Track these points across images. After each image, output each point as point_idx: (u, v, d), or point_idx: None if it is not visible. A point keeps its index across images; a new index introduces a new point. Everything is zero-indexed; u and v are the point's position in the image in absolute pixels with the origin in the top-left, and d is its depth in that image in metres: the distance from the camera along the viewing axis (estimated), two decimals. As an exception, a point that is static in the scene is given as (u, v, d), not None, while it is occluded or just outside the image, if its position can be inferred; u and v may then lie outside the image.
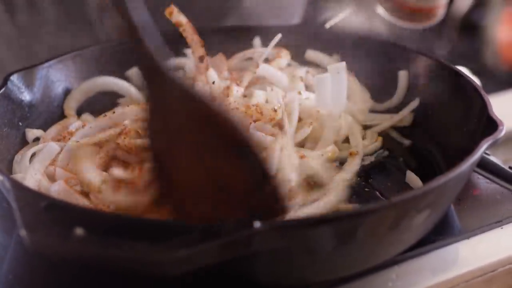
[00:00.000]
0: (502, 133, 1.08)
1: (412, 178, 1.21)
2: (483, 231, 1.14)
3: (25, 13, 1.61)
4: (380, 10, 1.56)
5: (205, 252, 0.87)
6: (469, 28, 3.92)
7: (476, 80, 1.25)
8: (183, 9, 1.49)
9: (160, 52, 0.97)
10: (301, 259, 0.96)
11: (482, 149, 1.04)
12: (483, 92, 1.19)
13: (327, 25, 1.47)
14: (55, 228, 0.90)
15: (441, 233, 1.12)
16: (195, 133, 0.95)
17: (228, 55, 1.42)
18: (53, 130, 1.26)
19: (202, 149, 0.94)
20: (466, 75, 1.25)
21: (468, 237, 1.13)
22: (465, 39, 3.99)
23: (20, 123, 1.24)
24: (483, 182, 1.25)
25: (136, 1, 0.98)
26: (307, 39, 1.45)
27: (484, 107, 1.14)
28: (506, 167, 1.26)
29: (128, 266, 0.89)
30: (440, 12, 1.55)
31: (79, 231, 0.88)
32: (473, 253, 1.11)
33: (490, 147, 1.07)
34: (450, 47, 3.96)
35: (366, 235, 0.96)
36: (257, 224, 0.88)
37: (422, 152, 1.31)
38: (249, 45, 1.46)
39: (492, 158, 1.28)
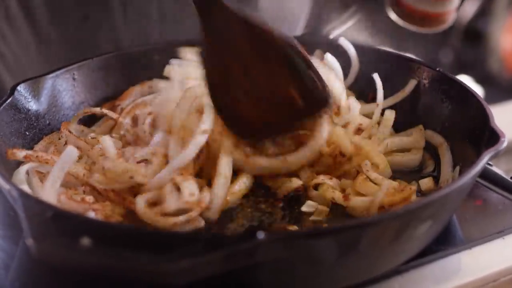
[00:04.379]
0: (503, 144, 1.08)
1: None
2: (485, 241, 1.15)
3: (45, 19, 1.63)
4: (392, 15, 1.57)
5: (209, 262, 0.89)
6: (473, 37, 3.92)
7: (479, 88, 1.26)
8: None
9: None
10: (304, 269, 0.97)
11: (483, 161, 1.05)
12: (485, 104, 1.19)
13: (331, 36, 1.47)
14: (61, 238, 0.91)
15: (443, 243, 1.13)
16: (250, 50, 1.16)
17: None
18: (42, 144, 1.27)
19: (257, 65, 1.16)
20: (469, 86, 1.25)
21: (470, 247, 1.14)
22: (469, 48, 3.99)
23: (27, 133, 1.25)
24: (485, 193, 1.25)
25: None
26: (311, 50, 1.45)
27: (486, 118, 1.15)
28: (508, 178, 1.26)
29: (133, 276, 0.90)
30: (451, 17, 1.56)
31: (85, 241, 0.89)
32: (475, 263, 1.12)
33: (492, 158, 1.08)
34: (454, 56, 3.97)
35: (368, 246, 0.97)
36: (260, 235, 0.89)
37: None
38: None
39: (495, 168, 1.29)
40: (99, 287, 1.00)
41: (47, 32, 1.63)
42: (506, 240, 1.15)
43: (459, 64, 3.95)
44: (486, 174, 1.27)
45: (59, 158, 1.11)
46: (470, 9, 3.89)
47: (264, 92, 1.16)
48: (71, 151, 1.11)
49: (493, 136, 1.10)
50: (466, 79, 3.78)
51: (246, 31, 1.15)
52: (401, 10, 1.57)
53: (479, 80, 3.75)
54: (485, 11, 3.95)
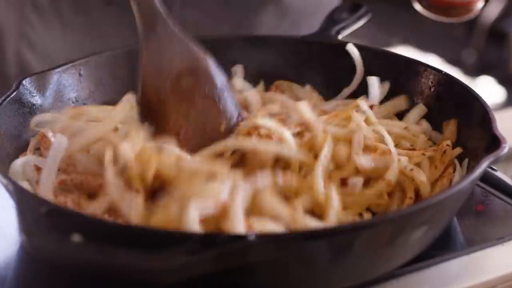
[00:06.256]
0: (504, 151, 1.07)
1: None
2: (484, 248, 1.14)
3: (68, 5, 1.64)
4: (417, 6, 1.57)
5: (201, 261, 0.89)
6: (497, 38, 3.90)
7: (502, 89, 1.25)
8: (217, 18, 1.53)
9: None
10: (297, 271, 0.97)
11: (482, 167, 1.04)
12: (489, 108, 1.18)
13: (340, 36, 1.47)
14: (54, 234, 0.92)
15: (442, 248, 1.12)
16: (185, 77, 1.16)
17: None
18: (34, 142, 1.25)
19: (189, 91, 1.17)
20: (473, 89, 1.25)
21: (468, 253, 1.13)
22: (493, 49, 3.97)
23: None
24: (487, 198, 1.25)
25: None
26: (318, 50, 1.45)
27: (489, 123, 1.14)
28: (512, 183, 1.26)
29: (124, 274, 0.90)
30: (478, 6, 1.54)
31: (76, 237, 0.89)
32: (473, 270, 1.11)
33: (492, 164, 1.07)
34: (477, 56, 3.94)
35: (362, 249, 0.97)
36: (252, 236, 0.89)
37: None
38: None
39: (499, 174, 1.28)
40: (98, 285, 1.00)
41: (71, 19, 1.65)
42: (506, 246, 1.14)
43: (482, 64, 3.93)
44: (489, 179, 1.26)
45: (50, 150, 1.12)
46: (494, 10, 3.87)
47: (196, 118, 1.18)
48: (60, 139, 1.14)
49: (495, 142, 1.09)
50: (488, 80, 3.75)
51: (186, 54, 1.18)
52: (426, 0, 1.55)
53: (501, 81, 3.73)
54: (509, 12, 3.93)
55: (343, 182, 1.12)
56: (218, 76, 1.20)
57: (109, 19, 1.65)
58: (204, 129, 1.18)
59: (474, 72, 3.89)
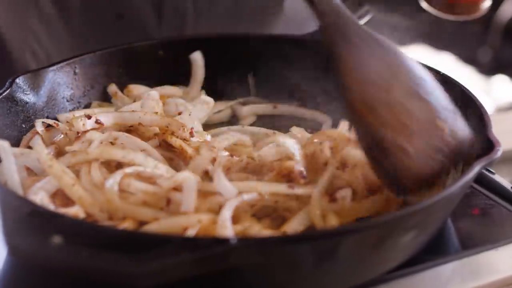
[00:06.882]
0: (497, 154, 1.05)
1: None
2: (477, 252, 1.12)
3: (78, 18, 1.64)
4: (424, 4, 1.55)
5: (179, 265, 0.88)
6: (513, 36, 3.86)
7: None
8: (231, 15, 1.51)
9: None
10: (282, 275, 0.96)
11: (474, 171, 1.02)
12: (485, 111, 1.17)
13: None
14: (36, 235, 0.91)
15: (435, 252, 1.11)
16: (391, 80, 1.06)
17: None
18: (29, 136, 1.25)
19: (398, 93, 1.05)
20: (471, 92, 1.22)
21: (461, 258, 1.11)
22: (509, 47, 3.93)
23: (23, 125, 1.25)
24: (483, 202, 1.22)
25: None
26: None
27: (484, 126, 1.12)
28: (509, 187, 1.23)
29: (102, 277, 0.90)
30: (486, 4, 1.52)
31: (56, 239, 0.89)
32: (466, 274, 1.09)
33: (485, 167, 1.05)
34: (492, 55, 3.90)
35: (348, 254, 0.95)
36: (233, 240, 0.88)
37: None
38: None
39: (496, 177, 1.26)
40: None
41: (81, 31, 1.65)
42: (499, 251, 1.13)
43: (497, 63, 3.89)
44: (486, 182, 1.24)
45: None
46: (510, 8, 3.83)
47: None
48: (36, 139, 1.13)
49: (489, 145, 1.08)
50: (504, 79, 3.72)
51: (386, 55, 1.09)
52: None
53: (517, 80, 3.69)
54: (526, 10, 3.88)
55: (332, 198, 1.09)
56: (418, 69, 1.10)
57: (119, 32, 1.65)
58: (423, 125, 1.06)
59: (490, 70, 3.86)
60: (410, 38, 3.90)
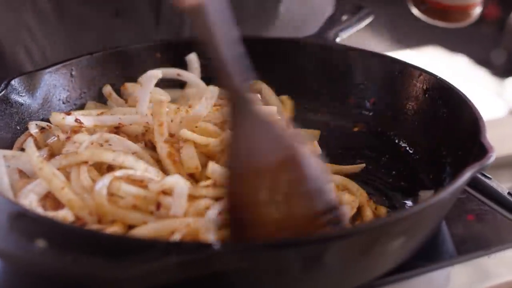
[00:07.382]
0: (490, 160, 1.04)
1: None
2: (470, 259, 1.11)
3: (75, 15, 1.64)
4: (415, 10, 1.54)
5: (163, 270, 0.87)
6: (528, 38, 3.84)
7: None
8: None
9: (247, 87, 1.03)
10: (268, 281, 0.95)
11: (466, 176, 1.01)
12: (480, 116, 1.15)
13: (338, 39, 1.44)
14: (20, 238, 0.91)
15: (426, 258, 1.10)
16: (273, 165, 1.02)
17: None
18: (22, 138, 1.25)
19: (277, 180, 1.02)
20: (466, 96, 1.21)
21: (453, 264, 1.10)
22: (523, 49, 3.90)
23: (18, 127, 1.25)
24: (479, 207, 1.21)
25: (225, 35, 1.03)
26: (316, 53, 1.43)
27: (478, 131, 1.11)
28: (505, 193, 1.22)
29: (87, 282, 0.89)
30: (476, 11, 1.52)
31: (40, 242, 0.89)
32: (460, 280, 1.09)
33: (477, 173, 1.04)
34: (506, 56, 3.88)
35: (334, 260, 0.95)
36: (216, 245, 0.88)
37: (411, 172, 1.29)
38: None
39: (493, 182, 1.24)
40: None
41: (76, 28, 1.64)
42: (491, 259, 1.11)
43: (511, 65, 3.87)
44: (481, 188, 1.23)
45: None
46: (525, 9, 3.81)
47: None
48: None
49: (482, 150, 1.06)
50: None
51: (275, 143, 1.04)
52: (423, 4, 1.53)
53: (531, 82, 3.67)
54: (540, 12, 3.86)
55: None
56: (312, 167, 1.04)
57: (116, 30, 1.64)
58: (293, 217, 1.02)
59: (503, 73, 3.83)
60: (424, 40, 3.89)
